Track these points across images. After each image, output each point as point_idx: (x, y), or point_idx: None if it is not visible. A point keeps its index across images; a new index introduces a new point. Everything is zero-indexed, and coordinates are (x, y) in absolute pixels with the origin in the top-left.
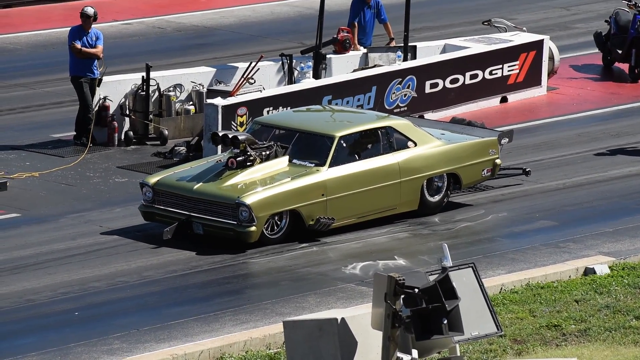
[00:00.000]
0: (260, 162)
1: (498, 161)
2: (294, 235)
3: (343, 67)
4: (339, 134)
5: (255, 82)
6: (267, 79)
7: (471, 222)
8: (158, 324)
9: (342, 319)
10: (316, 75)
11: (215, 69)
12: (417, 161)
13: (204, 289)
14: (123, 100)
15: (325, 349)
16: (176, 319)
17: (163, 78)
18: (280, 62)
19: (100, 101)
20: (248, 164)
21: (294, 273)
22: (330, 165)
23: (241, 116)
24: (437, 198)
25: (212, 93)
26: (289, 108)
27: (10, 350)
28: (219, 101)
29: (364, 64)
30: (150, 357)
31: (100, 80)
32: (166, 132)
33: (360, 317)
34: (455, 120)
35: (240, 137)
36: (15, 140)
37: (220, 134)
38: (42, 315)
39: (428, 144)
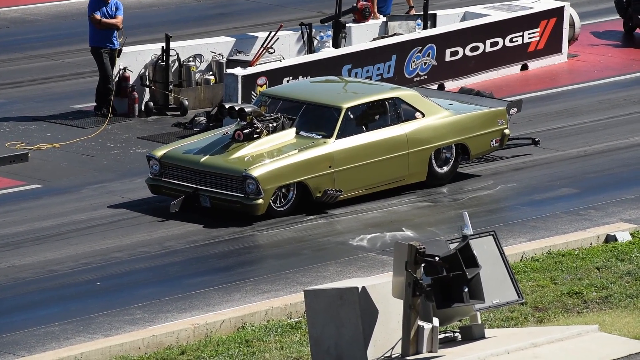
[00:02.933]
0: (267, 135)
1: (507, 131)
2: (301, 207)
3: (363, 36)
4: (346, 106)
5: (274, 51)
6: (287, 49)
7: (489, 190)
8: (179, 294)
9: (363, 287)
10: (336, 45)
11: (234, 39)
12: (425, 132)
13: (224, 259)
14: (143, 70)
15: (346, 318)
16: (197, 289)
17: (183, 48)
18: (300, 32)
19: (121, 72)
20: (255, 136)
21: (315, 243)
22: (338, 137)
23: (261, 86)
24: (445, 169)
25: (231, 63)
26: (308, 78)
27: (33, 321)
28: (238, 71)
29: (384, 32)
30: (172, 326)
31: (120, 50)
32: (186, 103)
33: (381, 285)
34: (463, 91)
35: (247, 109)
36: (36, 111)
37: (227, 106)
38: (64, 285)
39: (436, 114)
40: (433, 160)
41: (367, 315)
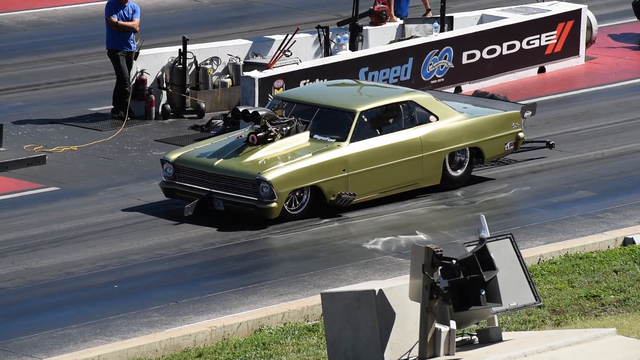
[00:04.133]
0: (281, 138)
1: (521, 134)
2: (315, 211)
3: (379, 39)
4: (359, 109)
5: (291, 54)
6: (304, 51)
7: (506, 193)
8: (197, 296)
9: (380, 290)
10: (353, 47)
11: (251, 42)
12: (439, 135)
13: (241, 262)
14: (160, 73)
15: (363, 321)
16: (214, 292)
17: (200, 51)
18: (317, 34)
19: (138, 74)
20: (269, 139)
21: (331, 245)
22: (352, 141)
23: (278, 89)
24: (459, 172)
25: (248, 66)
26: (324, 80)
27: (50, 323)
28: (255, 74)
29: (401, 35)
30: (189, 329)
31: (137, 53)
32: (203, 105)
33: (398, 288)
34: (478, 94)
35: (260, 113)
36: (54, 114)
37: (241, 110)
38: (81, 288)
39: (450, 118)
40: (447, 164)
41: (384, 318)
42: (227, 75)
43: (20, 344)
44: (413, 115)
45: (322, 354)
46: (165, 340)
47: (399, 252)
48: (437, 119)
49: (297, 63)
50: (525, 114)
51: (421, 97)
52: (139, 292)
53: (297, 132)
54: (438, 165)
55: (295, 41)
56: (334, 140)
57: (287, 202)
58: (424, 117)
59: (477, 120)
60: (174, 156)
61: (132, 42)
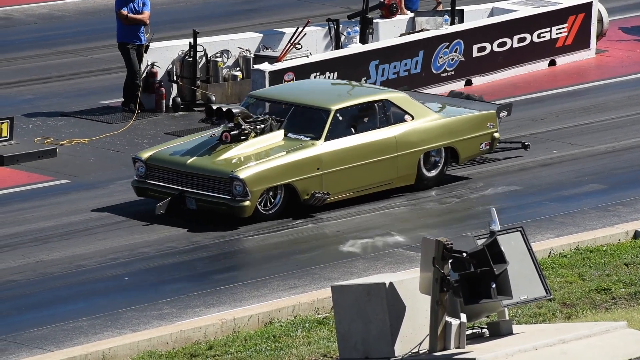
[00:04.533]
0: (255, 136)
1: (496, 135)
2: (288, 211)
3: (390, 32)
4: (334, 107)
5: (302, 47)
6: (314, 44)
7: (517, 187)
8: (207, 289)
9: (390, 283)
10: (363, 40)
11: (262, 35)
12: (414, 135)
13: (252, 255)
14: (170, 66)
15: (374, 314)
16: (225, 284)
17: (210, 44)
18: (327, 27)
19: (148, 67)
20: (242, 138)
21: (341, 238)
22: (326, 139)
23: (288, 82)
24: (434, 173)
25: (259, 59)
26: (335, 75)
27: (61, 316)
28: (266, 67)
29: (411, 28)
30: (200, 322)
31: (147, 46)
32: (213, 98)
33: (409, 281)
34: (453, 94)
35: (234, 111)
36: (64, 107)
37: (215, 107)
38: (92, 280)
39: (425, 117)
40: (422, 164)
41: (394, 311)
42: (238, 68)
43: (31, 336)
44: (388, 114)
45: (333, 347)
46: (175, 332)
47: (409, 245)
48: (413, 118)
49: (308, 56)
50: (501, 114)
51: (397, 96)
52: (149, 284)
53: (271, 130)
54: (413, 165)
55: (305, 34)
56: (309, 138)
57: (261, 202)
58: (399, 116)
59: (453, 120)
60: (146, 155)
61: (142, 35)
